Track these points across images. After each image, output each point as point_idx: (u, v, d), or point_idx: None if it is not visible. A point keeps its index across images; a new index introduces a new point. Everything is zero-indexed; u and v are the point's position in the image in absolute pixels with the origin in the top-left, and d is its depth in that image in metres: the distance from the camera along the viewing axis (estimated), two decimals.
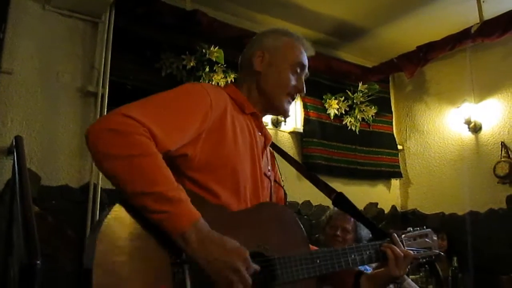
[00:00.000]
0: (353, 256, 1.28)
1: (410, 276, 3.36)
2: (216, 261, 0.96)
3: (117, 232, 0.94)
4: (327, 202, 4.49)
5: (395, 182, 4.94)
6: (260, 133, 1.33)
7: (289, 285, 1.13)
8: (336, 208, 2.55)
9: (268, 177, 1.34)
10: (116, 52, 3.32)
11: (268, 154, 1.42)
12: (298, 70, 1.36)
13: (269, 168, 1.38)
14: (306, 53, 1.41)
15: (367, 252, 1.32)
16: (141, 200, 0.94)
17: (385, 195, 4.83)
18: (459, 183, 4.35)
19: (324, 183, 1.54)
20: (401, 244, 1.35)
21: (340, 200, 1.45)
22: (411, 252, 1.34)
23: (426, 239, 1.48)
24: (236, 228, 1.08)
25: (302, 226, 1.27)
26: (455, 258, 3.62)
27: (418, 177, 4.81)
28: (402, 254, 1.30)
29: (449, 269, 3.62)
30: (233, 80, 3.64)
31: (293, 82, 1.33)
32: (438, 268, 3.79)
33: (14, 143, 2.61)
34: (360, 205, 4.44)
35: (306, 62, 1.40)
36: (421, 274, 3.50)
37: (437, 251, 1.49)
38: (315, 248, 1.31)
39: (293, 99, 1.37)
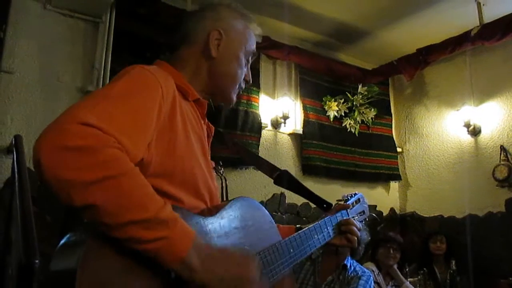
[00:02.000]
0: (316, 236, 1.29)
1: (409, 279, 3.37)
2: (229, 279, 0.85)
3: (98, 277, 0.76)
4: None
5: (394, 185, 4.94)
6: (203, 121, 1.16)
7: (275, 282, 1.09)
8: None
9: (215, 169, 1.23)
10: (116, 52, 3.33)
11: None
12: (250, 59, 1.23)
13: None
14: (256, 38, 1.25)
15: (326, 230, 1.33)
16: (130, 231, 0.76)
17: (384, 198, 4.83)
18: (458, 186, 4.36)
19: (267, 163, 1.48)
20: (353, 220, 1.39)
21: (282, 178, 1.43)
22: (358, 224, 1.40)
23: (361, 204, 1.55)
24: (214, 233, 0.98)
25: (267, 211, 1.20)
26: (453, 261, 3.62)
27: (417, 180, 4.82)
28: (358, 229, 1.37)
29: (447, 272, 3.62)
30: None
31: (244, 71, 1.21)
32: (437, 271, 3.82)
33: (13, 142, 2.61)
34: None
35: (255, 48, 1.25)
36: (419, 277, 3.51)
37: (369, 213, 1.59)
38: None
39: (239, 89, 1.23)
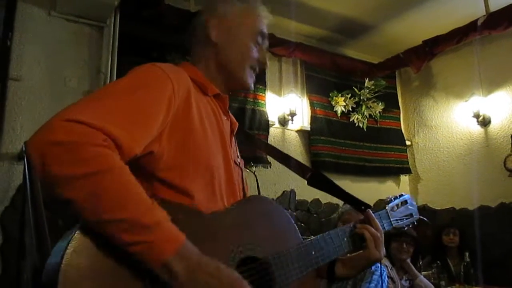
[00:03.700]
0: (340, 239, 1.20)
1: (422, 272, 3.35)
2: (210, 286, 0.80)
3: (81, 271, 0.75)
4: (336, 199, 4.50)
5: (404, 178, 4.91)
6: (225, 118, 1.15)
7: (292, 284, 1.04)
8: (348, 205, 2.55)
9: (238, 165, 1.18)
10: (122, 55, 3.34)
11: (234, 139, 1.23)
12: (260, 40, 1.19)
13: (238, 154, 1.22)
14: (264, 21, 1.23)
15: (350, 235, 1.24)
16: (108, 230, 0.75)
17: (395, 192, 4.77)
18: (469, 177, 4.32)
19: (298, 163, 1.43)
20: (376, 221, 1.26)
21: (315, 179, 1.38)
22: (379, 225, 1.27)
23: (408, 206, 1.44)
24: (224, 232, 0.95)
25: (289, 215, 1.16)
26: (466, 253, 3.59)
27: (427, 173, 4.79)
28: (378, 234, 1.22)
29: (461, 264, 3.60)
30: None
31: (255, 53, 1.18)
32: (450, 263, 3.79)
33: (24, 149, 2.63)
34: (370, 202, 4.33)
35: (266, 30, 1.22)
36: (433, 270, 3.49)
37: (418, 216, 1.45)
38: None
39: (255, 72, 1.20)
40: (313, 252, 1.12)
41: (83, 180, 0.74)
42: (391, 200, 1.42)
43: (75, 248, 0.75)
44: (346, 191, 1.37)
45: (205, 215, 0.94)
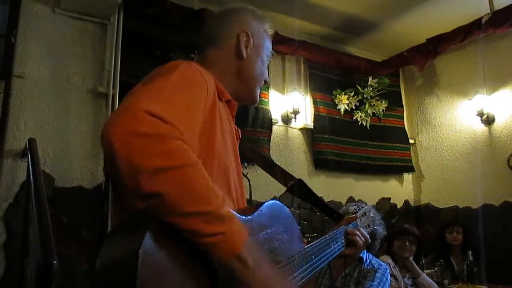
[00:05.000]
0: (333, 245, 1.34)
1: (425, 271, 3.34)
2: (272, 283, 0.88)
3: (155, 270, 0.74)
4: (339, 198, 4.50)
5: (407, 177, 4.90)
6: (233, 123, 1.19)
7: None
8: (352, 203, 2.56)
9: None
10: (126, 53, 3.34)
11: None
12: (268, 60, 1.28)
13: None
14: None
15: (341, 239, 1.40)
16: (190, 223, 0.77)
17: (398, 190, 4.80)
18: (472, 176, 4.31)
19: (283, 171, 1.51)
20: (362, 231, 1.47)
21: (297, 187, 1.46)
22: (367, 235, 1.49)
23: (367, 217, 1.64)
24: (259, 236, 0.99)
25: (295, 221, 1.21)
26: (470, 252, 3.59)
27: (431, 171, 4.78)
28: (364, 239, 1.45)
29: (464, 263, 3.59)
30: None
31: (266, 72, 1.27)
32: (453, 262, 3.79)
33: (28, 146, 2.64)
34: (373, 201, 4.43)
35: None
36: (436, 268, 3.48)
37: (373, 227, 1.71)
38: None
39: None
40: (313, 257, 1.19)
41: (170, 173, 0.75)
42: (357, 211, 1.66)
43: (147, 248, 0.73)
44: (324, 201, 1.55)
45: (247, 217, 0.96)
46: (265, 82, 1.27)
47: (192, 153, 0.80)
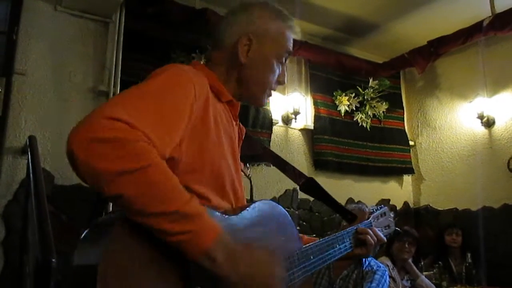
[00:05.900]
0: (337, 245, 1.29)
1: (424, 273, 3.35)
2: (251, 276, 0.86)
3: (122, 269, 0.77)
4: (338, 199, 4.48)
5: (407, 178, 4.90)
6: (235, 123, 1.17)
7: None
8: (353, 205, 2.56)
9: (242, 171, 1.21)
10: (127, 52, 3.35)
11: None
12: (284, 59, 1.19)
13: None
14: (293, 36, 1.21)
15: (348, 240, 1.35)
16: (155, 223, 0.78)
17: (397, 192, 4.80)
18: (472, 178, 4.31)
19: (294, 169, 1.47)
20: (376, 231, 1.40)
21: (308, 185, 1.44)
22: (381, 235, 1.41)
23: (387, 217, 1.57)
24: (244, 234, 0.99)
25: (289, 216, 1.20)
26: (469, 254, 3.58)
27: (430, 173, 4.78)
28: (377, 239, 1.38)
29: (463, 265, 3.59)
30: None
31: (277, 74, 1.18)
32: (452, 264, 3.79)
33: (28, 143, 2.64)
34: (372, 202, 4.42)
35: (292, 47, 1.20)
36: (434, 270, 3.48)
37: (394, 227, 1.60)
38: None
39: (272, 91, 1.21)
40: (312, 257, 1.17)
41: (131, 175, 0.77)
42: (374, 211, 1.54)
43: (115, 246, 0.77)
44: (337, 201, 1.47)
45: (222, 216, 0.96)
46: (279, 83, 1.21)
47: (155, 154, 0.80)
